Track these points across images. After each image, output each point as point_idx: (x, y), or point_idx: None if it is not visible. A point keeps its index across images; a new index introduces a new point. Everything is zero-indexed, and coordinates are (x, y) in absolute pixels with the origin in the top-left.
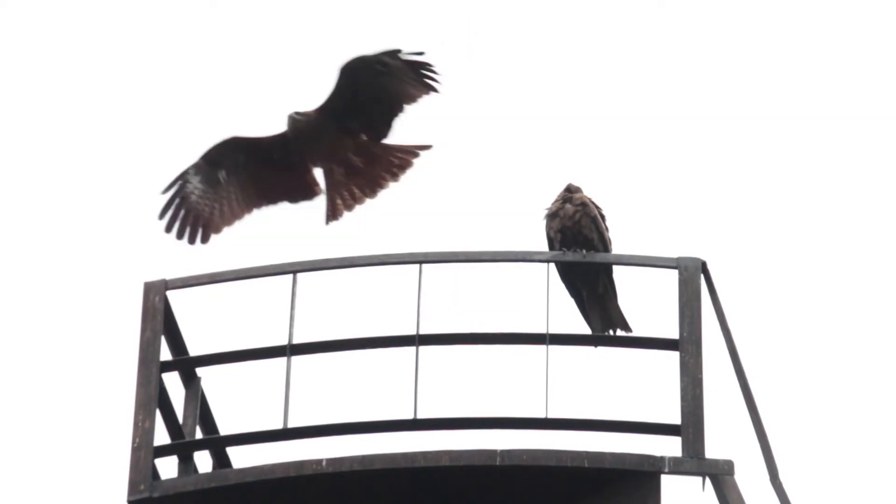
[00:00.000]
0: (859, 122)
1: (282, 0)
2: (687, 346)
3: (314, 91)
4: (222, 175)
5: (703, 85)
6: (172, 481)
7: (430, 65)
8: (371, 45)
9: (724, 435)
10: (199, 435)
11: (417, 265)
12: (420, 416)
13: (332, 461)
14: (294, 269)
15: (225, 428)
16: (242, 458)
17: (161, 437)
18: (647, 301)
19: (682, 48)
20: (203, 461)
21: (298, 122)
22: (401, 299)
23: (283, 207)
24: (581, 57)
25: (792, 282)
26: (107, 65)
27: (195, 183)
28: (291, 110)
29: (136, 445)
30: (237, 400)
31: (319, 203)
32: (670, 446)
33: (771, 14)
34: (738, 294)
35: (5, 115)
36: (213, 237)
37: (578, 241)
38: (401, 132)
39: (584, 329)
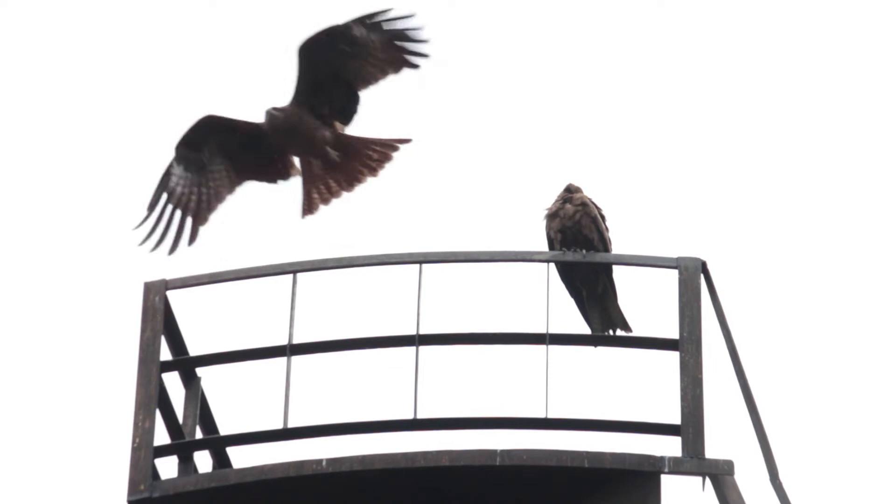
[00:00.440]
0: (859, 122)
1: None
2: (687, 346)
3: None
4: (205, 155)
5: (703, 85)
6: (172, 481)
7: (411, 33)
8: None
9: (724, 435)
10: (199, 435)
11: (417, 265)
12: (420, 416)
13: (332, 461)
14: (294, 269)
15: (225, 428)
16: (242, 458)
17: (161, 437)
18: (647, 301)
19: (682, 48)
20: (203, 461)
21: (276, 119)
22: (401, 299)
23: (262, 187)
24: (581, 56)
25: (792, 282)
26: (107, 64)
27: (179, 172)
28: (269, 106)
29: (136, 445)
30: (237, 400)
31: (298, 194)
32: (670, 446)
33: (771, 14)
34: (738, 294)
35: (5, 114)
36: (201, 231)
37: (578, 241)
38: (400, 129)
39: (584, 329)
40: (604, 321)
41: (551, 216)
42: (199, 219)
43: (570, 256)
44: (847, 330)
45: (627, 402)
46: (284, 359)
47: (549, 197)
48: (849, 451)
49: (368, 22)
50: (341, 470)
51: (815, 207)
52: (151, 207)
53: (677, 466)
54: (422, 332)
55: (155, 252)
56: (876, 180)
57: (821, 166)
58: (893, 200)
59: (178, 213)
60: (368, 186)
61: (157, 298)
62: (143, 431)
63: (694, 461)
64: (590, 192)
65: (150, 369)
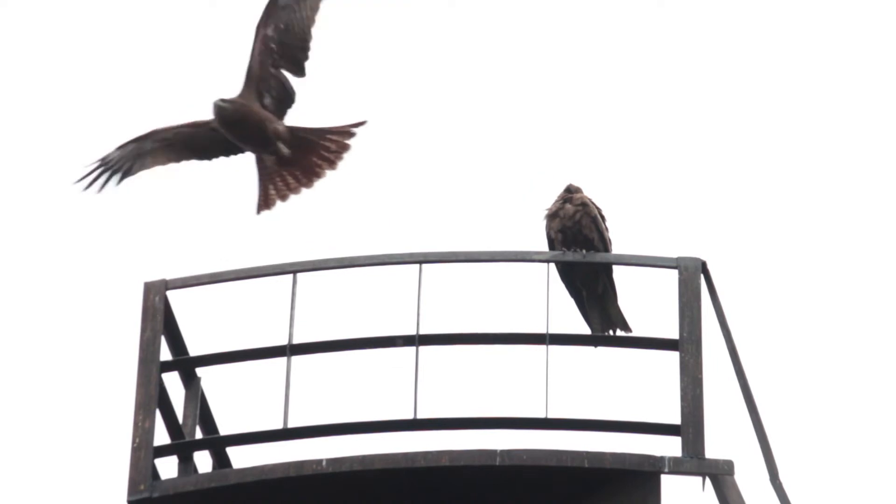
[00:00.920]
0: (859, 122)
1: None
2: (687, 346)
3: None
4: (144, 145)
5: (703, 85)
6: (172, 481)
7: None
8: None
9: (724, 435)
10: (199, 435)
11: (417, 265)
12: (420, 416)
13: (332, 461)
14: (294, 269)
15: (225, 428)
16: (242, 458)
17: (161, 437)
18: (647, 301)
19: (682, 48)
20: (203, 461)
21: (225, 110)
22: (401, 299)
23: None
24: (581, 56)
25: (792, 282)
26: (106, 63)
27: (115, 155)
28: (216, 97)
29: (136, 445)
30: (237, 400)
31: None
32: (670, 446)
33: (771, 14)
34: (738, 294)
35: (5, 113)
36: (129, 181)
37: (579, 241)
38: (402, 130)
39: (584, 329)
40: (604, 321)
41: (551, 216)
42: (128, 173)
43: (570, 256)
44: (847, 330)
45: (627, 402)
46: (284, 359)
47: (550, 197)
48: (849, 451)
49: None
50: (341, 470)
51: (815, 207)
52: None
53: (677, 466)
54: (422, 332)
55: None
56: (876, 180)
57: (821, 166)
58: (893, 200)
59: (109, 172)
60: (365, 186)
61: (157, 298)
62: (143, 431)
63: (694, 461)
64: (590, 192)
65: (150, 369)
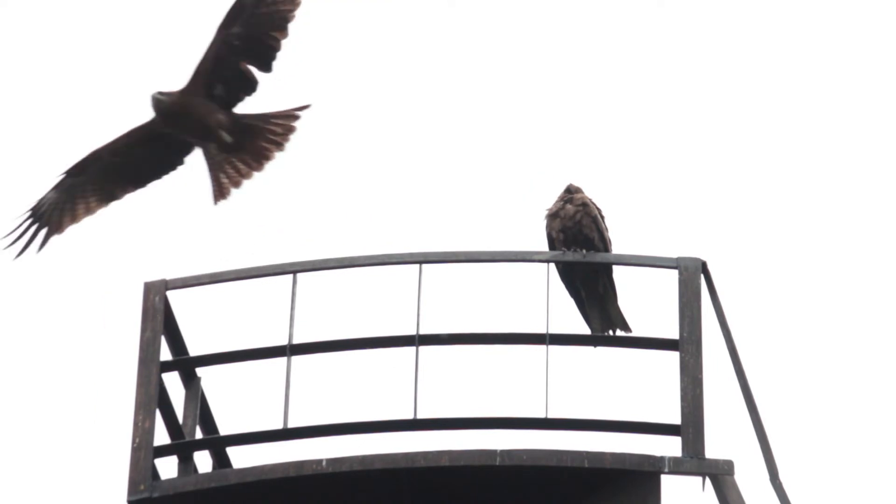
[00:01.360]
0: (859, 122)
1: None
2: (687, 346)
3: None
4: (80, 181)
5: (703, 85)
6: (172, 481)
7: None
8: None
9: (724, 435)
10: (199, 435)
11: (417, 265)
12: (420, 416)
13: (332, 461)
14: (294, 269)
15: (225, 428)
16: (242, 458)
17: (161, 437)
18: (647, 301)
19: (682, 48)
20: (203, 461)
21: (162, 103)
22: (401, 299)
23: (163, 180)
24: (581, 56)
25: (792, 282)
26: (106, 63)
27: (48, 198)
28: (154, 90)
29: (136, 445)
30: (237, 400)
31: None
32: (670, 446)
33: (771, 14)
34: (738, 294)
35: (5, 112)
36: (55, 238)
37: (579, 241)
38: (406, 130)
39: (584, 329)
40: (604, 321)
41: (552, 216)
42: (56, 229)
43: (570, 256)
44: (847, 330)
45: (627, 402)
46: (284, 359)
47: (550, 197)
48: (849, 451)
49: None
50: (341, 470)
51: (816, 207)
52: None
53: (677, 466)
54: (422, 332)
55: (9, 253)
56: (876, 180)
57: (821, 166)
58: (893, 200)
59: (36, 226)
60: (366, 186)
61: (157, 298)
62: (143, 431)
63: (694, 461)
64: (590, 192)
65: (150, 369)
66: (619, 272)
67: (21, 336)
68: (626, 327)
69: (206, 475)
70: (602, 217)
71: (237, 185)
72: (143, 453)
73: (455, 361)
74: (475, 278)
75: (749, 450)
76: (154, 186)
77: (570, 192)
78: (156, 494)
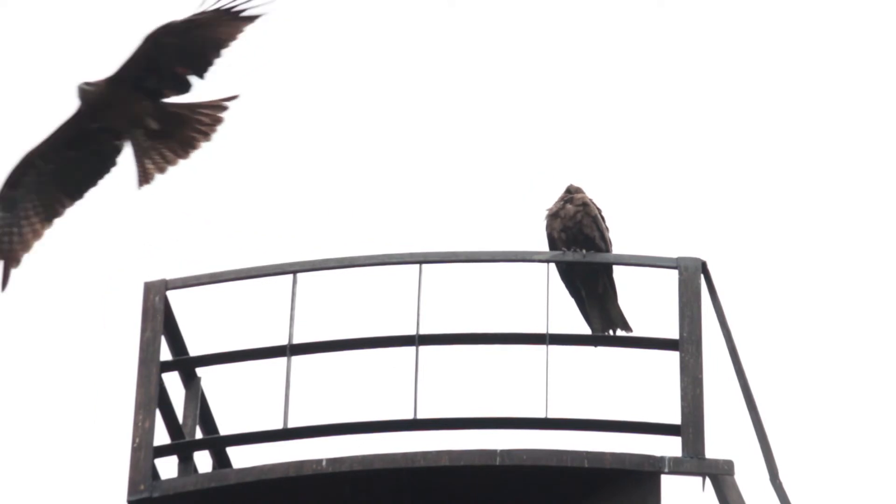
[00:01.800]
0: (859, 122)
1: None
2: (687, 346)
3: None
4: (19, 194)
5: (702, 85)
6: (172, 481)
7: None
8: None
9: (724, 435)
10: (199, 435)
11: (417, 265)
12: (420, 416)
13: (332, 461)
14: (294, 269)
15: (225, 428)
16: (242, 458)
17: (161, 437)
18: (647, 301)
19: (682, 48)
20: (203, 461)
21: (88, 93)
22: (401, 299)
23: (100, 186)
24: (581, 56)
25: (792, 282)
26: (106, 63)
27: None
28: (80, 81)
29: (136, 445)
30: (237, 400)
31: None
32: (670, 446)
33: (771, 14)
34: (738, 294)
35: (5, 114)
36: (13, 273)
37: (580, 241)
38: (404, 130)
39: (584, 329)
40: (604, 321)
41: (552, 216)
42: (12, 261)
43: (570, 256)
44: (847, 330)
45: (627, 402)
46: (284, 359)
47: (550, 197)
48: (849, 451)
49: (191, 18)
50: (341, 470)
51: (815, 207)
52: None
53: (677, 466)
54: (422, 332)
55: None
56: (876, 180)
57: (821, 166)
58: (893, 200)
59: None
60: (366, 186)
61: (157, 298)
62: (143, 431)
63: (694, 461)
64: (590, 192)
65: (150, 369)
66: (619, 272)
67: (21, 336)
68: (626, 327)
69: (206, 475)
70: (602, 217)
71: (162, 170)
72: (143, 453)
73: (455, 361)
74: (475, 278)
75: (749, 450)
76: (154, 186)
77: (571, 192)
78: (156, 494)
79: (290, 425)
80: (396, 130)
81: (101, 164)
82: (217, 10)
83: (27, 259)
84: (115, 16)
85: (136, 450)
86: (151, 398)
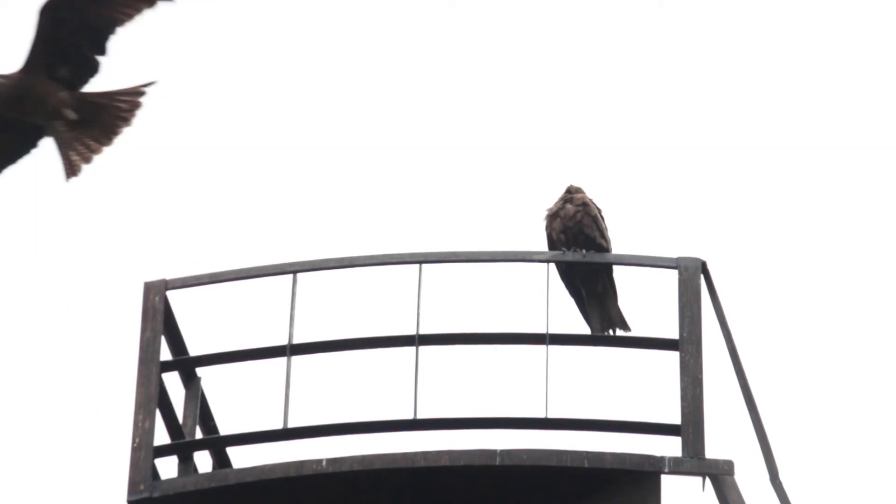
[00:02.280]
0: (859, 122)
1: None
2: (687, 346)
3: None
4: None
5: (702, 85)
6: (172, 481)
7: None
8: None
9: (724, 435)
10: (199, 435)
11: (417, 265)
12: (420, 416)
13: (332, 461)
14: (294, 269)
15: (225, 428)
16: (242, 458)
17: (161, 437)
18: (647, 301)
19: (682, 48)
20: (203, 461)
21: (2, 86)
22: (401, 299)
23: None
24: (581, 56)
25: (792, 282)
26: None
27: None
28: None
29: (136, 445)
30: (237, 400)
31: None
32: (670, 446)
33: (771, 15)
34: (738, 294)
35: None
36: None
37: (580, 241)
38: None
39: (584, 329)
40: (604, 321)
41: (552, 216)
42: None
43: (570, 256)
44: (847, 330)
45: (627, 402)
46: (284, 359)
47: (550, 197)
48: (849, 451)
49: None
50: (341, 470)
51: (815, 207)
52: None
53: (677, 466)
54: (422, 332)
55: None
56: (876, 180)
57: (821, 166)
58: (893, 200)
59: None
60: (366, 186)
61: (157, 298)
62: (143, 431)
63: (694, 461)
64: (591, 192)
65: (150, 369)
66: (619, 272)
67: (21, 336)
68: (625, 327)
69: (206, 475)
70: (602, 217)
71: (88, 160)
72: (143, 453)
73: (455, 361)
74: (475, 278)
75: (749, 450)
76: (154, 186)
77: (570, 192)
78: (156, 494)
79: (290, 425)
80: (397, 130)
81: (22, 148)
82: None
83: (30, 259)
84: None
85: (136, 450)
86: (151, 398)
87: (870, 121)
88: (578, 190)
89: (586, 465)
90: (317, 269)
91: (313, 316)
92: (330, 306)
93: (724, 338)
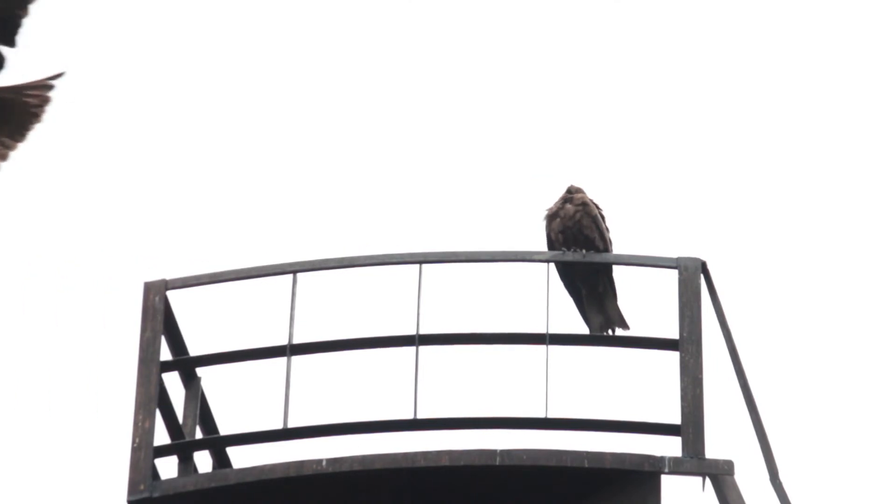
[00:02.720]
0: (859, 122)
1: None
2: (687, 346)
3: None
4: None
5: (702, 84)
6: (172, 481)
7: None
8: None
9: (724, 435)
10: (199, 435)
11: (417, 265)
12: (420, 416)
13: (332, 461)
14: (294, 269)
15: (225, 428)
16: (242, 458)
17: (161, 437)
18: (647, 301)
19: (682, 48)
20: (203, 461)
21: None
22: (401, 299)
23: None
24: (581, 56)
25: (792, 282)
26: (106, 65)
27: None
28: None
29: (136, 445)
30: (237, 400)
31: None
32: (670, 446)
33: (770, 14)
34: (738, 294)
35: None
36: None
37: (579, 241)
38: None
39: (584, 329)
40: (603, 321)
41: (552, 216)
42: None
43: (570, 256)
44: (847, 330)
45: (627, 402)
46: (284, 359)
47: (550, 198)
48: (849, 451)
49: None
50: (341, 470)
51: (816, 207)
52: None
53: (677, 466)
54: (422, 332)
55: None
56: (876, 180)
57: (821, 166)
58: (893, 200)
59: None
60: (365, 186)
61: (157, 298)
62: (143, 431)
63: (694, 461)
64: (590, 192)
65: (150, 369)
66: (619, 272)
67: (22, 336)
68: (625, 326)
69: (206, 475)
70: (602, 217)
71: (4, 158)
72: (143, 453)
73: (455, 361)
74: (475, 278)
75: (749, 450)
76: (154, 186)
77: (570, 193)
78: (156, 494)
79: (290, 425)
80: (397, 130)
81: None
82: None
83: (31, 259)
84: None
85: (136, 450)
86: (151, 398)
87: (869, 121)
88: (578, 190)
89: (586, 465)
90: (317, 269)
91: (313, 316)
92: (330, 306)
93: (724, 338)
